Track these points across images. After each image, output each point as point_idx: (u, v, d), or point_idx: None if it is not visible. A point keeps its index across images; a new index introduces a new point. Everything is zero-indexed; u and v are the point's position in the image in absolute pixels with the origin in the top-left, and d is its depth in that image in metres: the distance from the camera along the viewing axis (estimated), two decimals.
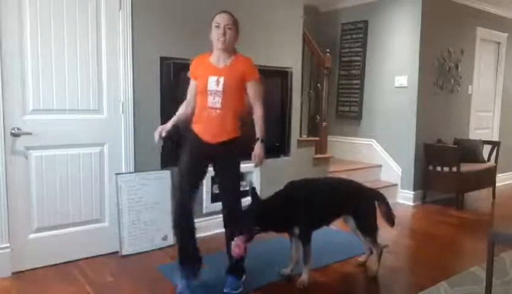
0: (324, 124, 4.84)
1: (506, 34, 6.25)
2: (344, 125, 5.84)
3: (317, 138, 4.79)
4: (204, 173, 2.69)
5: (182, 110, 2.70)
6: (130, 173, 3.32)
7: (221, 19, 2.53)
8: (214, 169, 2.70)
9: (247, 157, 2.66)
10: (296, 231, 2.79)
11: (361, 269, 3.12)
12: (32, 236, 2.98)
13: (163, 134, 2.59)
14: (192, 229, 2.68)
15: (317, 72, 4.98)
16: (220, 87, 2.51)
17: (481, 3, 5.67)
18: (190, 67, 2.69)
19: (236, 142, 2.62)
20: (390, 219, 3.03)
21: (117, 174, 3.25)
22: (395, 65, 5.25)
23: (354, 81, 5.66)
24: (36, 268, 2.97)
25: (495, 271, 2.50)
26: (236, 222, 2.60)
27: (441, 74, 5.31)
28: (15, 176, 2.88)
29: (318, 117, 4.93)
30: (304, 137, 4.76)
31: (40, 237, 3.01)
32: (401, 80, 5.18)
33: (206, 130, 2.57)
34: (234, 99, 2.57)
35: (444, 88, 5.38)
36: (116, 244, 3.25)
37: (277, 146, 4.28)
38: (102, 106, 3.20)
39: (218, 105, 2.52)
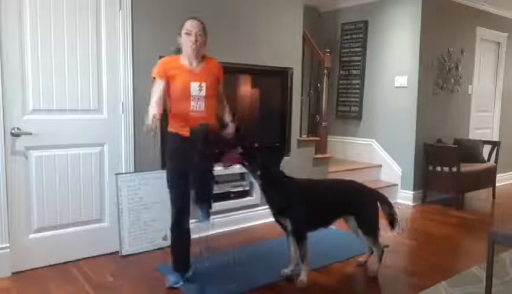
0: (324, 124, 4.84)
1: (506, 34, 6.25)
2: (344, 125, 5.84)
3: (317, 138, 4.79)
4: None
5: (155, 110, 2.59)
6: (130, 173, 3.32)
7: (192, 27, 2.60)
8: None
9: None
10: (289, 226, 2.80)
11: (361, 269, 3.12)
12: (32, 236, 2.98)
13: (157, 119, 2.52)
14: (188, 233, 2.79)
15: (317, 72, 4.98)
16: (203, 93, 2.62)
17: (481, 3, 5.67)
18: (157, 67, 2.65)
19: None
20: (393, 220, 3.03)
21: (117, 174, 3.25)
22: (395, 65, 5.25)
23: (354, 81, 5.66)
24: (36, 268, 2.97)
25: (495, 271, 2.50)
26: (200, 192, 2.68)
27: (441, 74, 5.31)
28: (15, 176, 2.88)
29: (318, 117, 4.93)
30: (304, 137, 4.76)
31: (40, 237, 3.01)
32: (401, 80, 5.18)
33: (188, 125, 2.62)
34: (214, 100, 2.71)
35: (444, 88, 5.38)
36: (116, 244, 3.25)
37: (277, 146, 4.28)
38: (102, 106, 3.20)
39: (203, 109, 2.63)
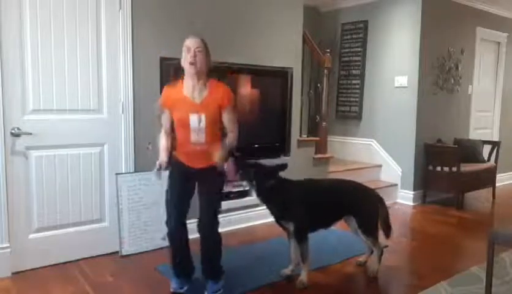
0: (324, 124, 4.84)
1: (506, 34, 6.25)
2: (344, 125, 5.84)
3: (317, 138, 4.79)
4: (192, 193, 2.67)
5: (164, 141, 2.67)
6: (130, 173, 3.32)
7: (190, 43, 2.50)
8: (198, 188, 2.67)
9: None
10: (291, 227, 2.80)
11: (361, 269, 3.12)
12: (32, 236, 2.98)
13: (164, 166, 2.60)
14: (186, 241, 2.71)
15: (317, 72, 4.98)
16: (203, 125, 2.53)
17: (481, 3, 5.67)
18: (161, 97, 2.66)
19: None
20: (388, 229, 3.03)
21: (117, 174, 3.25)
22: (395, 65, 5.25)
23: (354, 81, 5.66)
24: (36, 268, 2.97)
25: (495, 271, 2.50)
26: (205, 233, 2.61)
27: (441, 74, 5.31)
28: (15, 176, 2.88)
29: (318, 117, 4.93)
30: (304, 137, 4.76)
31: (40, 237, 3.01)
32: (401, 80, 5.18)
33: (193, 160, 2.59)
34: (215, 128, 2.60)
35: (444, 88, 5.38)
36: (116, 244, 3.25)
37: (277, 146, 4.28)
38: (102, 106, 3.20)
39: (203, 140, 2.54)
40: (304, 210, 2.78)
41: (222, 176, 2.64)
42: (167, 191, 2.67)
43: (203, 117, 2.52)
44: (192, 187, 2.65)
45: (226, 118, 2.60)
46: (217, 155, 2.48)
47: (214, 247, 2.62)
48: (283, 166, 2.82)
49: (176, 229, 2.65)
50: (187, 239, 2.70)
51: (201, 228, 2.59)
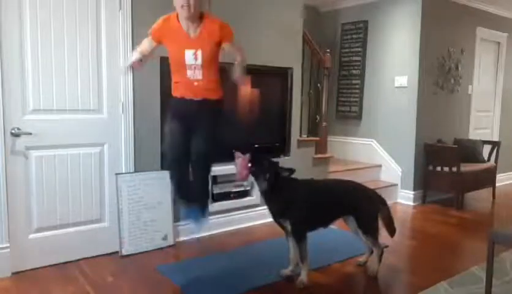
0: (324, 124, 4.84)
1: (506, 34, 6.25)
2: (344, 125, 5.84)
3: (317, 138, 4.79)
4: (190, 138, 2.60)
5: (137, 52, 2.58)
6: (130, 173, 3.32)
7: None
8: (193, 132, 2.60)
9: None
10: (289, 226, 2.80)
11: (361, 269, 3.12)
12: (32, 236, 2.98)
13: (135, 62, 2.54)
14: (186, 168, 2.68)
15: (317, 72, 4.98)
16: (199, 61, 2.43)
17: (481, 3, 5.67)
18: (155, 26, 2.55)
19: (219, 104, 2.61)
20: (391, 229, 3.04)
21: (117, 174, 3.25)
22: (395, 65, 5.25)
23: (354, 81, 5.66)
24: (36, 268, 2.97)
25: (495, 271, 2.50)
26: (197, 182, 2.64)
27: (441, 74, 5.31)
28: (15, 176, 2.88)
29: (318, 117, 4.93)
30: (304, 137, 4.76)
31: (40, 237, 3.01)
32: (401, 80, 5.18)
33: (191, 91, 2.52)
34: (214, 64, 2.51)
35: (444, 88, 5.38)
36: (116, 244, 3.25)
37: (277, 146, 4.28)
38: (102, 106, 3.20)
39: (200, 77, 2.46)
40: (305, 209, 2.78)
41: (220, 117, 2.60)
42: (166, 136, 2.64)
43: (199, 53, 2.42)
44: (193, 125, 2.57)
45: (229, 47, 2.52)
46: (237, 70, 2.44)
47: (204, 174, 2.63)
48: (291, 171, 2.82)
49: (179, 159, 2.61)
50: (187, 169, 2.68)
51: (194, 159, 2.57)
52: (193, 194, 2.73)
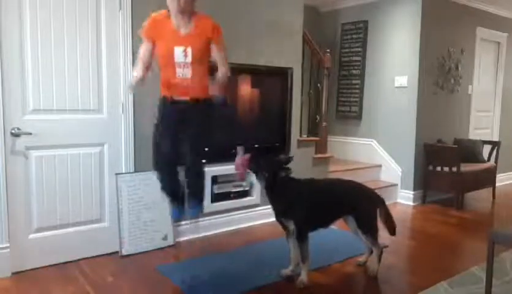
0: (324, 124, 4.84)
1: (506, 34, 6.25)
2: (344, 125, 5.84)
3: (317, 138, 4.79)
4: (179, 140, 2.57)
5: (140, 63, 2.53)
6: (130, 173, 3.32)
7: None
8: (184, 132, 2.56)
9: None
10: (291, 226, 2.80)
11: (361, 269, 3.12)
12: (32, 236, 2.98)
13: (139, 80, 2.50)
14: (176, 174, 2.68)
15: (317, 72, 4.97)
16: (189, 59, 2.39)
17: (481, 3, 5.67)
18: (146, 27, 2.52)
19: (209, 103, 2.57)
20: (391, 227, 3.04)
21: (117, 174, 3.25)
22: (395, 65, 5.25)
23: (354, 81, 5.66)
24: (36, 268, 2.97)
25: (495, 271, 2.50)
26: (193, 179, 2.64)
27: (441, 74, 5.31)
28: (15, 176, 2.88)
29: (318, 117, 4.93)
30: (304, 137, 4.76)
31: (40, 237, 3.01)
32: (401, 80, 5.18)
33: (179, 92, 2.49)
34: (203, 63, 2.48)
35: (445, 88, 5.38)
36: (116, 244, 3.25)
37: (277, 146, 4.28)
38: (102, 106, 3.20)
39: (189, 76, 2.42)
40: (307, 209, 2.78)
41: (210, 117, 2.58)
42: (155, 135, 2.60)
43: (189, 50, 2.39)
44: (183, 127, 2.54)
45: (216, 51, 2.49)
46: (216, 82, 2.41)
47: (198, 177, 2.65)
48: (290, 158, 2.88)
49: (169, 159, 2.60)
50: (177, 171, 2.68)
51: (186, 167, 2.58)
52: (183, 198, 2.74)
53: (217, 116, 2.70)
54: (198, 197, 2.75)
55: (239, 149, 2.73)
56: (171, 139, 2.57)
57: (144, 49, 2.55)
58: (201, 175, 2.70)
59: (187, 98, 2.51)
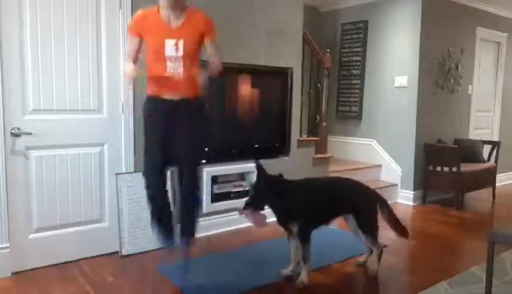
0: (324, 124, 4.84)
1: (506, 34, 6.25)
2: (344, 125, 5.84)
3: (317, 138, 4.79)
4: (170, 141, 2.49)
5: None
6: (130, 173, 3.32)
7: None
8: (175, 131, 2.48)
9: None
10: (295, 228, 2.79)
11: (361, 269, 3.12)
12: (32, 236, 2.98)
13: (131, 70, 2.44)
14: (167, 205, 2.67)
15: (317, 72, 4.98)
16: (180, 53, 2.32)
17: (481, 3, 5.67)
18: (132, 22, 2.46)
19: (200, 101, 2.52)
20: (399, 228, 3.02)
21: (117, 174, 3.25)
22: (395, 65, 5.25)
23: (354, 81, 5.67)
24: (36, 268, 2.97)
25: (495, 271, 2.50)
26: (189, 197, 2.55)
27: (441, 74, 5.31)
28: (15, 176, 2.88)
29: (318, 117, 4.93)
30: (304, 137, 4.76)
31: (40, 237, 3.01)
32: (401, 80, 5.18)
33: (169, 90, 2.41)
34: (195, 58, 2.41)
35: (445, 88, 5.38)
36: (116, 244, 3.25)
37: (277, 146, 4.28)
38: (102, 106, 3.20)
39: (180, 70, 2.34)
40: (307, 210, 2.78)
41: (203, 114, 2.50)
42: (145, 138, 2.55)
43: (181, 43, 2.31)
44: (173, 128, 2.45)
45: (210, 44, 2.43)
46: (199, 80, 2.32)
47: (193, 207, 2.56)
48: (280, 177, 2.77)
49: (157, 195, 2.58)
50: (168, 202, 2.65)
51: (182, 187, 2.50)
52: (170, 225, 2.66)
53: (208, 117, 2.65)
54: (191, 232, 2.65)
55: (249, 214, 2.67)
56: (158, 142, 2.49)
57: (131, 47, 2.52)
58: (196, 206, 2.60)
59: (176, 96, 2.43)
